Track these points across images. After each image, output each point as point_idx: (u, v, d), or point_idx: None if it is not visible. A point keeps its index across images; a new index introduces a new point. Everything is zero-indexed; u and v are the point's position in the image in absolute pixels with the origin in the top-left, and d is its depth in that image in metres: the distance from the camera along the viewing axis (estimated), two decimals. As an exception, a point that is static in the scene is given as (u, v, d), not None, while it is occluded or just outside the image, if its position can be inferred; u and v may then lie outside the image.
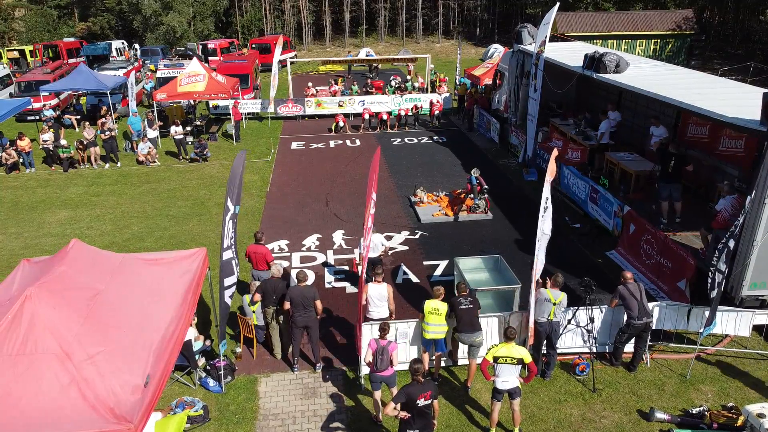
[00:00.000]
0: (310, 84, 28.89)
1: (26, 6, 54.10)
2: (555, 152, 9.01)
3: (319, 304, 8.84)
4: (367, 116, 24.68)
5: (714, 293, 8.84)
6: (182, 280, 7.90)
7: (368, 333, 8.73)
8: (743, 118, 9.33)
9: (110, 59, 38.31)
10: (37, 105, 24.36)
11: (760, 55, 38.91)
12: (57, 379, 5.52)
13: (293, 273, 12.06)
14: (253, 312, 9.48)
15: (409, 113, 25.37)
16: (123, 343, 6.10)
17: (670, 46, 39.78)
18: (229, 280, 8.50)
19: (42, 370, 5.54)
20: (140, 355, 6.16)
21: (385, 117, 24.73)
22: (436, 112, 25.55)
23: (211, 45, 42.07)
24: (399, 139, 23.12)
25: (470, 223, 14.70)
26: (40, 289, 5.94)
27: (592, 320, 8.92)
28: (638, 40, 39.56)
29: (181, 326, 7.19)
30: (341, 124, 24.51)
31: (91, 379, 5.60)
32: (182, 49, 42.48)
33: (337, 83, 30.03)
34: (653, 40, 39.72)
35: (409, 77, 31.61)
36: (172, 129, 20.72)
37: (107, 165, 20.28)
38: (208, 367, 9.11)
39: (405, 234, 14.11)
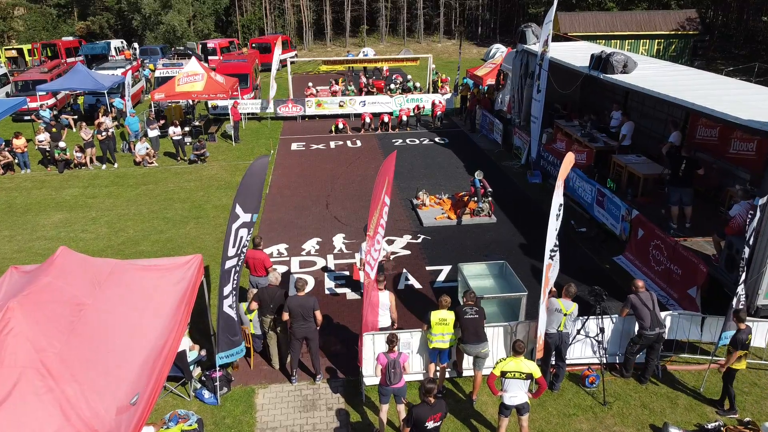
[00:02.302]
0: (310, 84, 28.56)
1: (25, 5, 53.79)
2: (571, 156, 8.61)
3: (318, 314, 8.50)
4: (367, 119, 24.21)
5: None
6: (176, 289, 7.58)
7: (370, 344, 8.43)
8: (759, 121, 9.01)
9: (109, 58, 38.00)
10: (33, 105, 24.03)
11: (765, 56, 38.60)
12: (38, 398, 5.18)
13: (292, 279, 11.80)
14: (250, 321, 9.16)
15: (411, 114, 24.90)
16: (110, 359, 5.77)
17: (673, 47, 39.44)
18: (227, 289, 8.15)
19: (23, 388, 5.20)
20: (129, 371, 5.84)
21: (386, 119, 24.29)
22: (438, 113, 25.18)
23: (210, 44, 41.76)
24: (400, 140, 22.79)
25: (474, 227, 14.36)
26: (24, 302, 5.61)
27: (602, 330, 8.58)
28: (641, 41, 39.23)
29: (174, 338, 6.87)
30: (341, 126, 24.11)
31: (75, 398, 5.26)
32: (182, 48, 42.16)
33: (337, 83, 29.70)
34: (657, 41, 39.38)
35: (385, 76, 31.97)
36: (171, 129, 20.39)
37: (104, 166, 19.95)
38: (203, 378, 8.78)
39: (407, 238, 13.78)
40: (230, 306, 8.25)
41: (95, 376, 5.56)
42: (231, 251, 7.91)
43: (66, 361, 5.37)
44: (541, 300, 8.13)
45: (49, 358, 5.37)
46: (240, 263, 8.35)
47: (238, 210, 7.85)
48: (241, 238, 8.02)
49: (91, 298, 6.12)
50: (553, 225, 8.04)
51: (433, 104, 25.56)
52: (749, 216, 8.81)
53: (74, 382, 5.31)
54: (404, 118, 24.43)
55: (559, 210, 8.11)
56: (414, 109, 25.11)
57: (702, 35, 39.91)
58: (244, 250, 8.24)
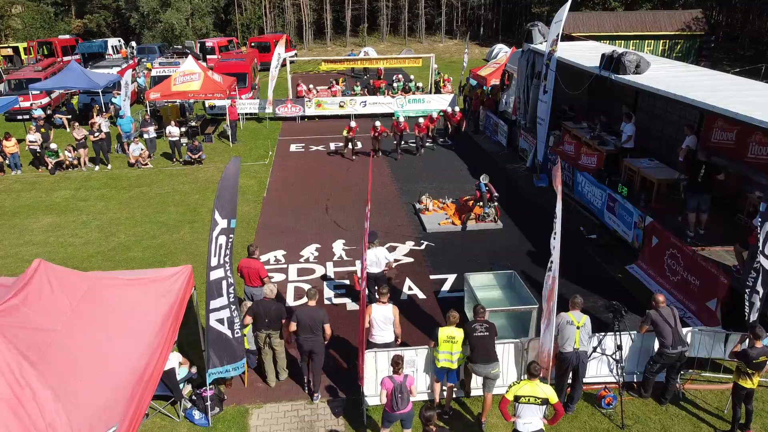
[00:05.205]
0: (302, 84, 27.60)
1: (23, 3, 53.24)
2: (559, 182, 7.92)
3: (328, 328, 8.04)
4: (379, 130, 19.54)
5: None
6: (162, 303, 7.05)
7: (372, 361, 7.88)
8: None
9: (106, 57, 37.43)
10: (25, 104, 23.46)
11: (771, 57, 38.06)
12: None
13: (288, 288, 11.25)
14: (244, 335, 8.59)
15: (427, 130, 20.58)
16: (86, 387, 5.21)
17: (679, 47, 38.89)
18: (217, 303, 7.59)
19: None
20: (106, 399, 5.28)
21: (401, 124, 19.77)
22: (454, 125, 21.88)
23: (209, 43, 41.23)
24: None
25: (479, 233, 13.80)
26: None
27: (619, 347, 8.03)
28: (647, 41, 38.67)
29: (159, 358, 6.33)
30: (357, 143, 20.31)
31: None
32: (180, 47, 41.59)
33: (337, 83, 29.15)
34: (662, 41, 38.83)
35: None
36: (168, 129, 19.81)
37: (97, 167, 19.38)
38: (193, 397, 8.22)
39: (410, 244, 13.22)
40: (219, 320, 7.68)
41: (70, 405, 5.01)
42: (213, 261, 7.37)
43: (38, 390, 4.81)
44: (542, 317, 7.59)
45: (20, 386, 4.81)
46: (228, 274, 7.79)
47: (217, 216, 7.34)
48: (221, 246, 7.48)
49: (66, 319, 5.56)
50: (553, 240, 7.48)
51: (448, 115, 22.14)
52: (758, 224, 8.34)
53: (48, 413, 4.75)
54: (421, 135, 20.26)
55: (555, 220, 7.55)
56: (429, 121, 21.00)
57: (708, 36, 39.36)
58: (227, 259, 7.68)
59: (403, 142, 20.45)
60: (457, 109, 22.31)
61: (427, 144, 20.92)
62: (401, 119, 20.08)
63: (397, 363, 6.82)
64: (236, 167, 7.76)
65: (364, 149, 20.59)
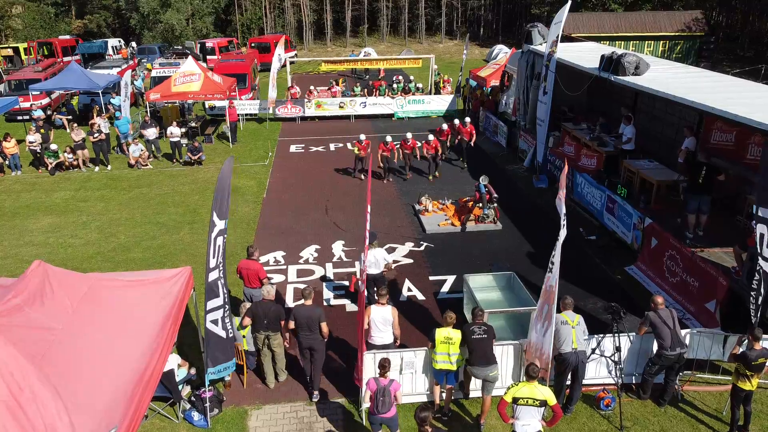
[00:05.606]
0: (295, 86, 27.56)
1: (23, 3, 53.26)
2: (565, 172, 7.95)
3: (325, 326, 8.07)
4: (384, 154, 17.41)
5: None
6: (162, 305, 7.04)
7: (371, 362, 7.89)
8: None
9: (106, 57, 37.43)
10: (25, 105, 23.47)
11: (771, 58, 38.05)
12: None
13: (288, 289, 11.27)
14: (243, 336, 8.61)
15: (435, 150, 17.56)
16: (86, 388, 5.21)
17: (679, 48, 38.87)
18: (213, 303, 7.60)
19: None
20: (106, 401, 5.28)
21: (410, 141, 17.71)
22: (465, 139, 18.78)
23: (209, 44, 41.21)
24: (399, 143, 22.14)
25: (479, 234, 13.81)
26: (-12, 327, 5.05)
27: (618, 349, 8.03)
28: (646, 42, 38.64)
29: (158, 359, 6.33)
30: (364, 159, 17.30)
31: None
32: (180, 47, 41.59)
33: (338, 84, 29.14)
34: (662, 42, 38.81)
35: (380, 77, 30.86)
36: (169, 130, 19.81)
37: (97, 168, 19.39)
38: (192, 398, 8.22)
39: (409, 246, 13.22)
40: (213, 321, 7.70)
41: (69, 406, 5.01)
42: (212, 262, 7.40)
43: (37, 391, 4.81)
44: (538, 318, 7.60)
45: (18, 388, 4.81)
46: (221, 274, 7.81)
47: (215, 218, 7.36)
48: (219, 247, 7.52)
49: (64, 321, 5.56)
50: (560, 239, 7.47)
51: (456, 129, 18.87)
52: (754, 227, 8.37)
53: (47, 415, 4.76)
54: (431, 155, 17.63)
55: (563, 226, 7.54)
56: (437, 136, 18.33)
57: (708, 36, 39.34)
58: (221, 259, 7.71)
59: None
60: (467, 120, 19.05)
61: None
62: (409, 136, 17.86)
63: (383, 366, 6.83)
64: (230, 168, 7.77)
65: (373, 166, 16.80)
